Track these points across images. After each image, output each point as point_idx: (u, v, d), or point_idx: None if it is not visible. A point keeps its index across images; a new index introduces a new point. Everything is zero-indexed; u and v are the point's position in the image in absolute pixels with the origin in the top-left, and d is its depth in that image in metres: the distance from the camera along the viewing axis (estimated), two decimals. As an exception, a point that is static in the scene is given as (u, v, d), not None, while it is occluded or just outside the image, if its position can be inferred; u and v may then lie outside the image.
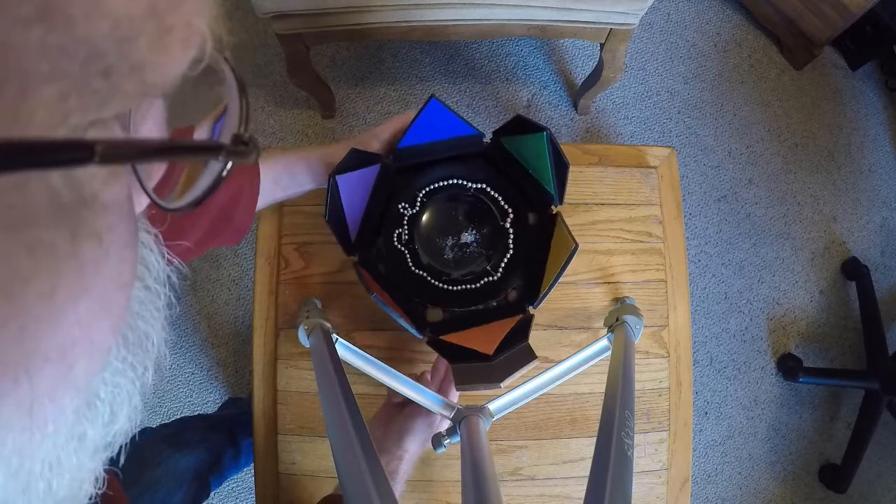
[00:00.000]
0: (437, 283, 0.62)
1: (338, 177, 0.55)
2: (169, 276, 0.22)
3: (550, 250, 0.60)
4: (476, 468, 0.44)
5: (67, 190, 0.14)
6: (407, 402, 0.61)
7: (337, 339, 0.60)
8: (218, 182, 0.18)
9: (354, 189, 0.57)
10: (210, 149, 0.18)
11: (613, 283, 0.74)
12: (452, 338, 0.57)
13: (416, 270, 0.62)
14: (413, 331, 0.57)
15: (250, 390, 0.71)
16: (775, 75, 1.55)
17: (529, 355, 0.53)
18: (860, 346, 1.43)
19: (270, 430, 0.70)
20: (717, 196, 1.49)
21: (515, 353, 0.53)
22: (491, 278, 0.62)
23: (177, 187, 0.21)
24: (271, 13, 0.95)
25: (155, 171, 0.21)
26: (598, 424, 0.47)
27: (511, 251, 0.62)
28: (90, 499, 0.19)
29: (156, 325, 0.20)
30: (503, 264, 0.62)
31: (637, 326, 0.62)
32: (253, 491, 0.73)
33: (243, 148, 0.18)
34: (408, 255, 0.62)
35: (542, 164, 0.59)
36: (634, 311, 0.64)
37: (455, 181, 0.63)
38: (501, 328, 0.57)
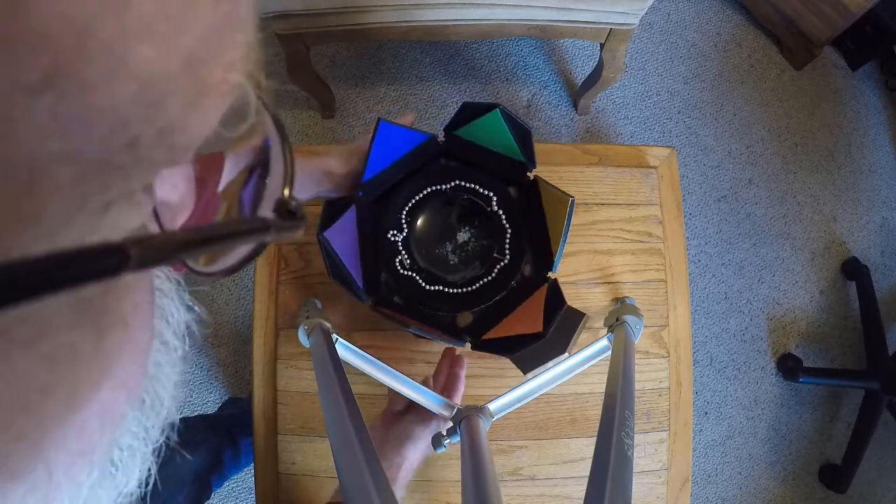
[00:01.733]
0: (455, 290, 0.62)
1: (325, 234, 0.54)
2: (188, 326, 0.20)
3: (546, 213, 0.60)
4: (476, 468, 0.44)
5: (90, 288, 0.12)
6: (408, 410, 0.61)
7: (337, 339, 0.60)
8: (259, 250, 0.17)
9: (342, 237, 0.57)
10: (258, 230, 0.15)
11: (613, 283, 0.74)
12: (495, 332, 0.57)
13: (431, 287, 0.62)
14: (454, 344, 0.58)
15: (250, 390, 0.71)
16: (775, 75, 1.55)
17: (578, 314, 0.55)
18: (860, 346, 1.43)
19: (270, 430, 0.70)
20: (717, 196, 1.49)
21: (564, 318, 0.54)
22: (502, 263, 0.62)
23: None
24: (272, 13, 0.95)
25: (178, 218, 0.20)
26: (598, 424, 0.47)
27: (509, 230, 0.62)
28: None
29: (169, 383, 0.19)
30: (507, 245, 0.62)
31: (637, 326, 0.62)
32: (253, 491, 0.73)
33: (291, 222, 0.16)
34: (417, 277, 0.62)
35: (503, 139, 0.59)
36: (634, 311, 0.64)
37: (429, 189, 0.64)
38: (536, 304, 0.57)
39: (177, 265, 0.19)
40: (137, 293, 0.15)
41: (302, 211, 0.16)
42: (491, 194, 0.63)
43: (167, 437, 0.20)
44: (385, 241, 0.62)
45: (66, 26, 0.09)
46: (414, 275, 0.62)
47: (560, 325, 0.54)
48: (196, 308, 0.21)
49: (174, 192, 0.19)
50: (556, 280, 0.58)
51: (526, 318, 0.56)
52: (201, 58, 0.12)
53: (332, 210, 0.56)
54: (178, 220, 0.20)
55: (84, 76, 0.09)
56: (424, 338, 0.62)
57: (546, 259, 0.59)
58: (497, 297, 0.61)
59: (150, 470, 0.19)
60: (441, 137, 0.62)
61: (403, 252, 0.63)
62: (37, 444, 0.12)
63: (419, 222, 0.64)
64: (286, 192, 0.17)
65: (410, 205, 0.63)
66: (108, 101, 0.10)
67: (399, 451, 0.56)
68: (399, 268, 0.62)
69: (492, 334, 0.57)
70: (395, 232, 0.63)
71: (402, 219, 0.63)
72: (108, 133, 0.10)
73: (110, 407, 0.15)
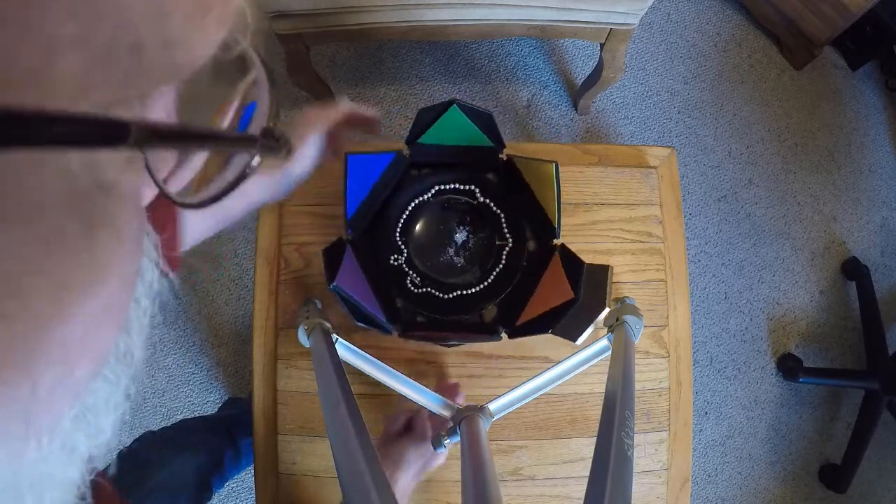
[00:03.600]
0: (472, 290, 0.62)
1: (335, 283, 0.53)
2: (158, 292, 0.21)
3: (531, 186, 0.60)
4: (476, 468, 0.44)
5: (85, 175, 0.12)
6: (404, 432, 0.62)
7: (337, 339, 0.60)
8: (244, 176, 0.18)
9: (351, 280, 0.56)
10: (245, 140, 0.17)
11: (613, 283, 0.74)
12: (527, 315, 0.58)
13: (448, 295, 0.62)
14: (490, 340, 0.58)
15: (250, 390, 0.71)
16: (775, 75, 1.55)
17: (601, 267, 0.56)
18: (860, 346, 1.43)
19: (270, 430, 0.70)
20: (717, 196, 1.49)
21: (589, 277, 0.54)
22: (506, 248, 0.63)
23: (191, 183, 0.20)
24: (272, 13, 0.95)
25: (163, 165, 0.20)
26: (598, 424, 0.47)
27: (501, 215, 0.63)
28: None
29: (139, 342, 0.19)
30: (505, 229, 0.63)
31: (637, 326, 0.62)
32: (253, 491, 0.73)
33: (274, 143, 0.17)
34: (432, 291, 0.62)
35: (468, 131, 0.59)
36: (634, 311, 0.64)
37: (413, 204, 0.64)
38: (555, 273, 0.57)
39: (162, 202, 0.19)
40: (128, 208, 0.15)
41: (285, 136, 0.18)
42: (472, 187, 0.63)
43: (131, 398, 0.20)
44: (390, 268, 0.63)
45: None
46: (428, 289, 0.62)
47: (588, 284, 0.54)
48: (171, 275, 0.21)
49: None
50: (563, 244, 0.58)
51: (552, 291, 0.56)
52: None
53: (330, 258, 0.56)
54: (161, 172, 0.21)
55: None
56: (458, 344, 0.62)
57: (547, 229, 0.60)
58: (514, 281, 0.61)
59: (122, 415, 0.19)
60: (406, 151, 0.62)
61: (410, 272, 0.63)
62: (23, 335, 0.12)
63: (415, 238, 0.64)
64: (271, 122, 0.18)
65: (401, 225, 0.63)
66: (119, 3, 0.11)
67: (391, 476, 0.56)
68: (412, 288, 0.62)
69: (524, 318, 0.58)
70: (396, 255, 0.63)
71: (397, 241, 0.63)
72: (116, 29, 0.11)
73: (96, 332, 0.15)
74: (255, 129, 0.19)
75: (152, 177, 0.18)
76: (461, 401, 0.64)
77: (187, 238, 0.45)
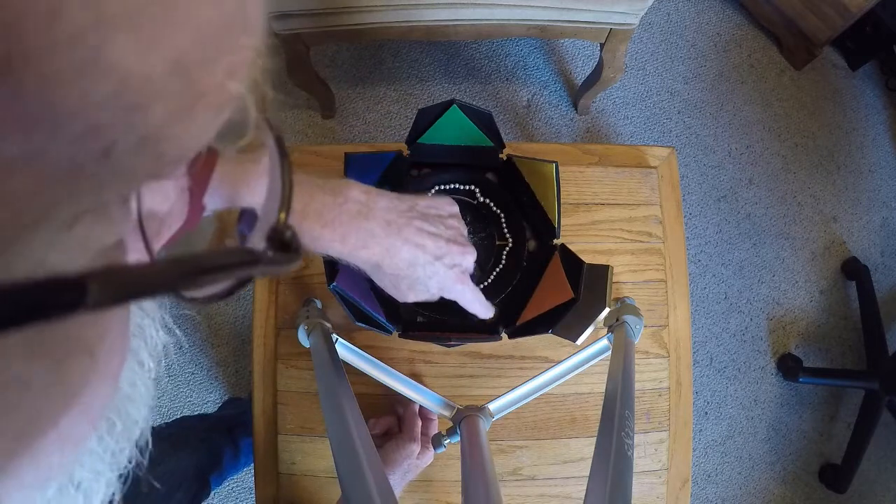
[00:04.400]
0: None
1: (335, 284, 0.52)
2: (164, 347, 0.19)
3: (531, 186, 0.60)
4: (476, 468, 0.44)
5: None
6: (387, 435, 0.63)
7: (337, 339, 0.60)
8: (245, 283, 0.15)
9: (351, 281, 0.56)
10: (245, 264, 0.14)
11: (613, 283, 0.74)
12: (527, 315, 0.57)
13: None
14: (490, 340, 0.58)
15: (250, 390, 0.71)
16: (775, 75, 1.55)
17: (602, 267, 0.55)
18: (860, 346, 1.43)
19: (270, 430, 0.70)
20: (717, 196, 1.49)
21: (589, 277, 0.54)
22: (506, 248, 0.63)
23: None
24: (272, 13, 0.95)
25: (164, 231, 0.18)
26: (598, 424, 0.47)
27: (501, 215, 0.63)
28: None
29: (143, 404, 0.18)
30: (505, 229, 0.63)
31: (637, 326, 0.62)
32: (253, 491, 0.73)
33: (283, 255, 0.14)
34: None
35: (468, 131, 0.59)
36: (634, 311, 0.64)
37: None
38: (555, 273, 0.57)
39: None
40: (106, 319, 0.14)
41: (297, 242, 0.15)
42: (472, 187, 0.63)
43: (138, 464, 0.19)
44: None
45: (29, 6, 0.07)
46: None
47: (588, 284, 0.54)
48: (176, 331, 0.20)
49: (164, 203, 0.18)
50: (563, 244, 0.58)
51: (552, 291, 0.56)
52: (195, 60, 0.10)
53: (331, 259, 0.56)
54: (164, 234, 0.19)
55: (48, 68, 0.08)
56: (458, 344, 0.61)
57: (547, 229, 0.60)
58: (514, 281, 0.61)
59: (113, 495, 0.18)
60: (406, 151, 0.62)
61: None
62: None
63: None
64: (282, 216, 0.15)
65: None
66: (77, 101, 0.08)
67: None
68: None
69: (524, 318, 0.58)
70: None
71: None
72: (76, 138, 0.09)
73: (70, 433, 0.14)
74: (262, 223, 0.16)
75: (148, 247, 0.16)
76: (433, 429, 0.65)
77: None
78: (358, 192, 0.41)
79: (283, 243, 0.15)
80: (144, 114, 0.10)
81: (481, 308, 0.48)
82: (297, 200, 0.37)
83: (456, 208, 0.48)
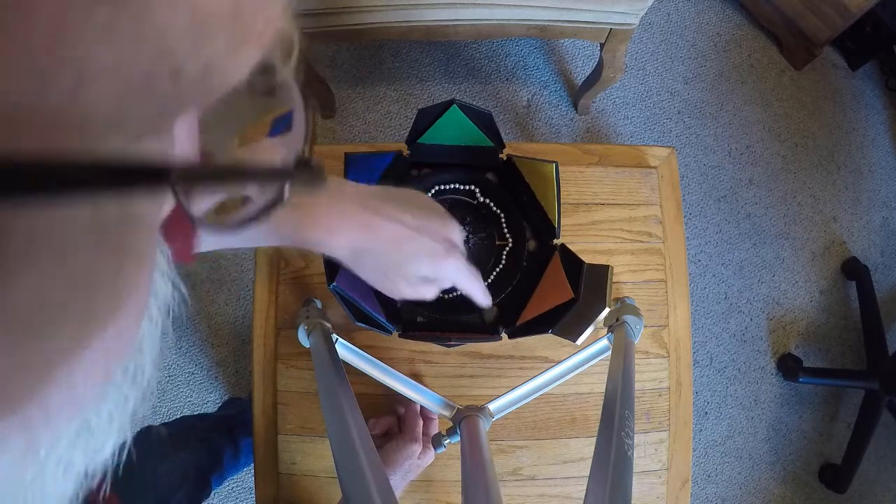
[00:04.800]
0: None
1: (335, 284, 0.52)
2: (170, 307, 0.20)
3: (531, 186, 0.60)
4: (476, 468, 0.44)
5: (115, 209, 0.12)
6: (387, 436, 0.63)
7: (337, 339, 0.60)
8: (273, 205, 0.17)
9: (351, 281, 0.56)
10: (280, 173, 0.16)
11: (613, 283, 0.74)
12: (526, 315, 0.57)
13: (449, 295, 0.62)
14: (490, 340, 0.58)
15: (250, 390, 0.71)
16: (775, 75, 1.55)
17: (602, 267, 0.55)
18: (860, 346, 1.43)
19: (270, 430, 0.70)
20: (717, 196, 1.49)
21: (589, 277, 0.54)
22: (506, 248, 0.63)
23: (213, 205, 0.19)
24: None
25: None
26: (598, 424, 0.47)
27: (501, 215, 0.63)
28: None
29: (151, 357, 0.19)
30: (505, 229, 0.63)
31: (637, 326, 0.62)
32: (253, 491, 0.73)
33: (309, 174, 0.17)
34: None
35: (468, 131, 0.59)
36: (634, 311, 0.64)
37: None
38: (555, 273, 0.57)
39: (182, 223, 0.19)
40: (153, 237, 0.15)
41: (320, 166, 0.17)
42: (472, 187, 0.63)
43: (143, 417, 0.20)
44: None
45: None
46: None
47: (588, 284, 0.54)
48: (182, 288, 0.21)
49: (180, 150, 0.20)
50: (563, 244, 0.58)
51: (552, 291, 0.56)
52: (249, 4, 0.12)
53: (331, 259, 0.56)
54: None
55: None
56: (458, 344, 0.61)
57: (547, 229, 0.60)
58: (514, 281, 0.61)
59: (125, 442, 0.19)
60: (407, 151, 0.62)
61: None
62: (37, 371, 0.12)
63: None
64: (306, 150, 0.18)
65: None
66: (161, 27, 0.10)
67: None
68: None
69: (524, 318, 0.58)
70: None
71: None
72: (155, 58, 0.10)
73: (105, 358, 0.14)
74: (289, 154, 0.18)
75: (180, 202, 0.17)
76: (433, 429, 0.65)
77: (203, 246, 0.41)
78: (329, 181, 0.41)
79: (310, 167, 0.17)
80: (208, 45, 0.11)
81: (480, 291, 0.46)
82: None
83: (428, 196, 0.47)
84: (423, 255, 0.42)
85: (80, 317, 0.12)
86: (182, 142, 0.17)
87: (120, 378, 0.17)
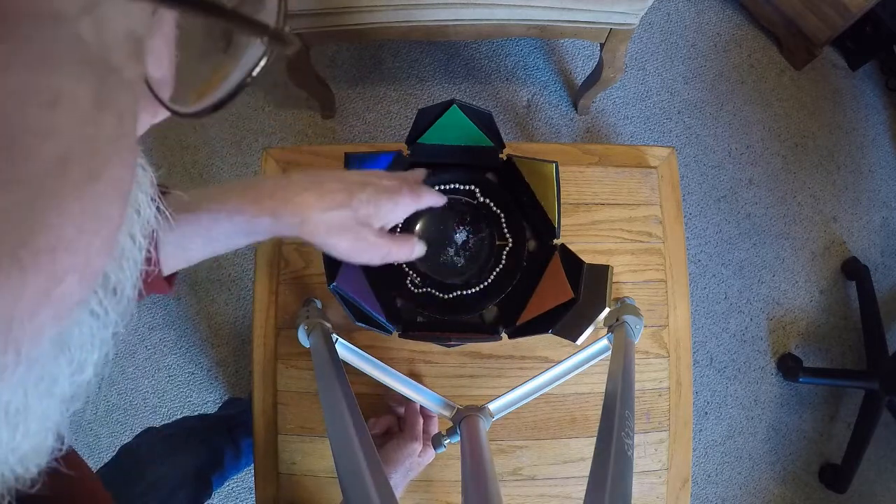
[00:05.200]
0: (473, 290, 0.62)
1: (335, 284, 0.53)
2: (154, 233, 0.20)
3: (531, 186, 0.60)
4: (476, 468, 0.44)
5: (96, 45, 0.12)
6: (387, 434, 0.63)
7: (337, 339, 0.60)
8: (248, 78, 0.17)
9: (351, 281, 0.56)
10: (259, 26, 0.17)
11: (613, 283, 0.74)
12: (526, 315, 0.57)
13: (449, 295, 0.62)
14: (490, 340, 0.58)
15: (250, 390, 0.71)
16: (775, 75, 1.55)
17: (602, 267, 0.55)
18: (860, 346, 1.43)
19: (270, 430, 0.70)
20: (717, 196, 1.49)
21: (589, 277, 0.54)
22: (506, 248, 0.63)
23: (189, 93, 0.19)
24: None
25: (156, 69, 0.20)
26: (598, 424, 0.47)
27: (501, 215, 0.63)
28: (48, 462, 0.17)
29: (130, 280, 0.18)
30: (505, 229, 0.63)
31: (637, 326, 0.62)
32: (253, 491, 0.73)
33: (284, 39, 0.17)
34: (433, 291, 0.62)
35: (467, 131, 0.59)
36: (634, 311, 0.64)
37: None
38: (555, 274, 0.57)
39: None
40: (129, 100, 0.14)
41: (293, 37, 0.18)
42: (472, 187, 0.63)
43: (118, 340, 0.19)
44: (390, 268, 0.62)
45: None
46: (428, 290, 0.62)
47: (588, 285, 0.54)
48: (165, 210, 0.21)
49: (158, 68, 0.19)
50: (563, 245, 0.58)
51: (551, 291, 0.56)
52: None
53: (330, 258, 0.56)
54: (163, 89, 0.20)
55: None
56: (458, 344, 0.62)
57: (547, 229, 0.60)
58: (514, 281, 0.61)
59: (107, 354, 0.18)
60: (407, 151, 0.62)
61: (410, 272, 0.63)
62: (19, 209, 0.11)
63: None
64: (280, 22, 0.18)
65: (400, 226, 0.63)
66: None
67: None
68: (412, 288, 0.62)
69: (524, 318, 0.58)
70: None
71: None
72: None
73: (87, 239, 0.14)
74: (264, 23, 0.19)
75: (150, 90, 0.17)
76: (434, 428, 0.65)
77: (175, 264, 0.42)
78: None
79: (282, 36, 0.17)
80: None
81: (435, 196, 0.51)
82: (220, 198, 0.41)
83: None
84: (377, 193, 0.45)
85: (61, 148, 0.12)
86: (160, 58, 0.18)
87: (101, 292, 0.17)
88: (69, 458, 0.19)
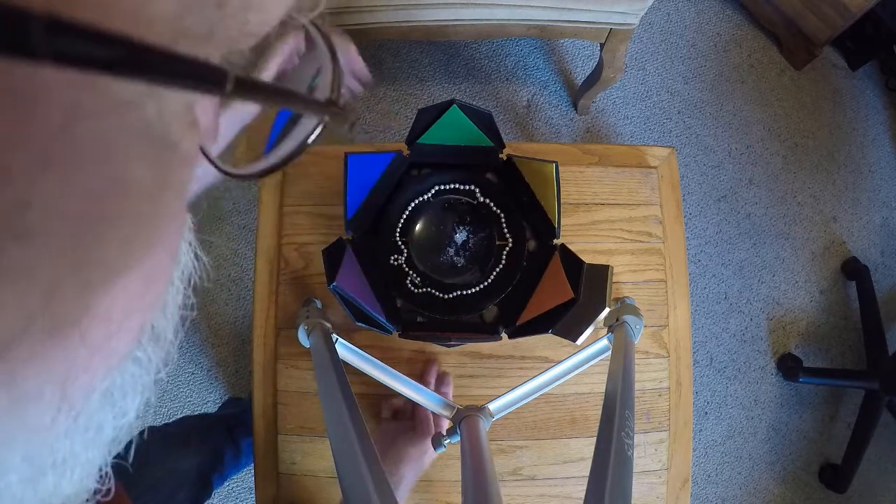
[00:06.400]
0: (472, 289, 0.62)
1: (336, 284, 0.53)
2: (191, 277, 0.20)
3: (531, 186, 0.60)
4: (476, 468, 0.44)
5: (159, 126, 0.12)
6: (402, 423, 0.63)
7: (337, 339, 0.60)
8: (303, 146, 0.18)
9: (351, 280, 0.56)
10: (321, 105, 0.18)
11: (613, 283, 0.74)
12: (526, 315, 0.57)
13: (449, 295, 0.62)
14: (490, 340, 0.58)
15: (250, 390, 0.71)
16: (775, 75, 1.55)
17: (601, 267, 0.55)
18: (860, 346, 1.43)
19: (270, 430, 0.70)
20: (717, 196, 1.49)
21: (589, 277, 0.54)
22: (506, 248, 0.63)
23: (230, 156, 0.20)
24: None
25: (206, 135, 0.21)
26: (598, 424, 0.47)
27: (501, 215, 0.63)
28: (89, 499, 0.18)
29: (171, 324, 0.19)
30: (505, 229, 0.63)
31: (637, 326, 0.62)
32: (253, 491, 0.73)
33: (341, 111, 0.18)
34: (432, 291, 0.62)
35: (468, 131, 0.59)
36: (634, 311, 0.64)
37: (413, 204, 0.64)
38: (555, 273, 0.57)
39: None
40: (187, 172, 0.15)
41: (351, 107, 0.19)
42: (472, 187, 0.63)
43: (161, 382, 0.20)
44: (390, 268, 0.62)
45: None
46: (428, 290, 0.62)
47: (588, 284, 0.54)
48: (203, 258, 0.21)
49: (203, 117, 0.20)
50: (563, 244, 0.58)
51: (551, 291, 0.56)
52: None
53: (331, 259, 0.56)
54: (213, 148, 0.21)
55: None
56: (458, 344, 0.62)
57: (547, 229, 0.60)
58: (514, 281, 0.61)
59: (149, 399, 0.19)
60: (407, 151, 0.62)
61: (411, 272, 0.63)
62: (89, 279, 0.12)
63: (415, 238, 0.64)
64: (335, 94, 0.19)
65: (400, 225, 0.63)
66: None
67: (396, 470, 0.58)
68: (412, 288, 0.62)
69: (524, 317, 0.58)
70: (396, 256, 0.63)
71: (397, 241, 0.63)
72: None
73: (140, 300, 0.14)
74: (320, 96, 0.20)
75: (203, 152, 0.19)
76: (449, 390, 0.65)
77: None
78: None
79: (339, 106, 0.19)
80: None
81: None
82: None
83: None
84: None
85: (126, 229, 0.12)
86: (206, 115, 0.18)
87: (145, 340, 0.17)
88: (113, 498, 0.19)
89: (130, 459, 0.20)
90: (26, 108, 0.09)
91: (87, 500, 0.17)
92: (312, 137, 0.18)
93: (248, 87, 0.13)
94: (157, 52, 0.10)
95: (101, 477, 0.18)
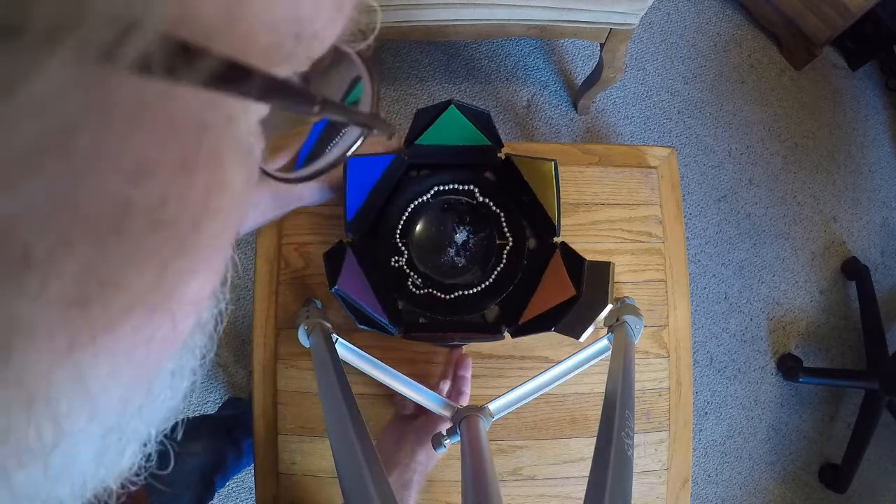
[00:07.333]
0: (474, 289, 0.62)
1: (337, 287, 0.53)
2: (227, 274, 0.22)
3: (531, 184, 0.60)
4: (476, 468, 0.44)
5: (245, 136, 0.15)
6: (416, 415, 0.62)
7: (337, 339, 0.60)
8: (345, 155, 0.21)
9: (353, 283, 0.56)
10: (366, 118, 0.21)
11: (613, 282, 0.74)
12: (528, 314, 0.57)
13: (451, 296, 0.62)
14: (493, 340, 0.58)
15: (250, 390, 0.71)
16: (775, 75, 1.55)
17: (603, 264, 0.55)
18: (860, 346, 1.43)
19: (270, 430, 0.70)
20: (717, 196, 1.49)
21: (591, 273, 0.54)
22: (507, 247, 0.63)
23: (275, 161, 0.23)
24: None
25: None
26: (598, 424, 0.47)
27: (501, 214, 0.63)
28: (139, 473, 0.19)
29: (214, 315, 0.20)
30: (505, 228, 0.63)
31: (637, 326, 0.62)
32: (253, 491, 0.73)
33: (383, 124, 0.21)
34: (434, 292, 0.62)
35: (466, 131, 0.59)
36: (634, 311, 0.64)
37: (413, 205, 0.64)
38: (556, 271, 0.57)
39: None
40: (255, 175, 0.17)
41: (389, 121, 0.22)
42: (471, 187, 0.63)
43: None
44: (391, 270, 0.62)
45: None
46: (430, 290, 0.62)
47: (589, 281, 0.54)
48: (236, 259, 0.22)
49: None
50: (564, 242, 0.58)
51: (553, 289, 0.56)
52: None
53: (332, 262, 0.56)
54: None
55: None
56: (461, 345, 0.62)
57: (547, 227, 0.60)
58: (516, 280, 0.61)
59: (194, 383, 0.20)
60: (405, 152, 0.62)
61: (412, 273, 0.63)
62: (186, 265, 0.13)
63: (415, 239, 0.64)
64: (375, 108, 0.22)
65: (400, 227, 0.63)
66: (293, 5, 0.14)
67: (413, 456, 0.57)
68: (413, 289, 0.62)
69: (526, 316, 0.57)
70: (397, 257, 0.63)
71: (398, 243, 0.63)
72: (292, 20, 0.14)
73: (205, 288, 0.16)
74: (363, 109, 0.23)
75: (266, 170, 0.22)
76: (467, 373, 0.65)
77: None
78: None
79: (381, 119, 0.21)
80: (319, 15, 0.15)
81: None
82: None
83: None
84: None
85: (218, 223, 0.14)
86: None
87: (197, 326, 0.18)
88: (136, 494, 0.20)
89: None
90: (173, 124, 0.11)
91: (136, 476, 0.18)
92: (357, 145, 0.21)
93: (328, 106, 0.16)
94: (275, 79, 0.12)
95: (147, 455, 0.19)
